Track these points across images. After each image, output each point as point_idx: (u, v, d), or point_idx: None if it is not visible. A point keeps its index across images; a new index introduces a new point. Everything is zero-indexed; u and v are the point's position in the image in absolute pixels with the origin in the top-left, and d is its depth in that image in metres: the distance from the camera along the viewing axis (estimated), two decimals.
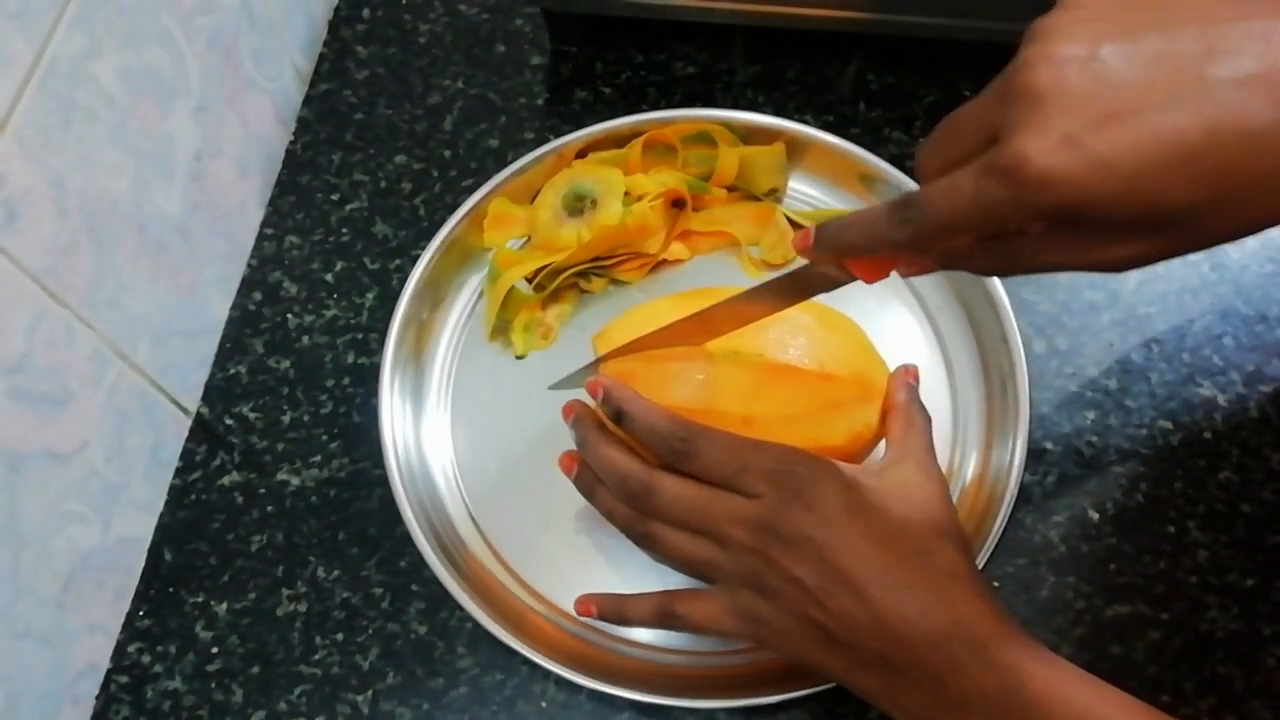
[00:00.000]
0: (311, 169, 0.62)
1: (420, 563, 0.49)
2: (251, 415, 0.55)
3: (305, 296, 0.58)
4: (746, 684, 0.47)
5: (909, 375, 0.47)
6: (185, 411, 0.55)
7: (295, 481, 0.53)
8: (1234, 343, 0.55)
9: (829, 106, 0.63)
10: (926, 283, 0.56)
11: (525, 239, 0.58)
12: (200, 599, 0.51)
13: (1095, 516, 0.51)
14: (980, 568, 0.48)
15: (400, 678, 0.49)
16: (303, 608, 0.50)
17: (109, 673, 0.49)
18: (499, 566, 0.51)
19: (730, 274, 0.57)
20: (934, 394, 0.53)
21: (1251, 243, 0.57)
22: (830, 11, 0.59)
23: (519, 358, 0.56)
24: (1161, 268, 0.56)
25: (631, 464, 0.43)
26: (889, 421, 0.45)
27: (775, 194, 0.59)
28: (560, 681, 0.48)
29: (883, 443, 0.46)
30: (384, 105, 0.64)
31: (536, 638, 0.47)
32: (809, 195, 0.60)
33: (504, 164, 0.58)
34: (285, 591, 0.51)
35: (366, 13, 0.68)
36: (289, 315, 0.58)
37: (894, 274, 0.40)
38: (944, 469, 0.51)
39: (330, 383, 0.56)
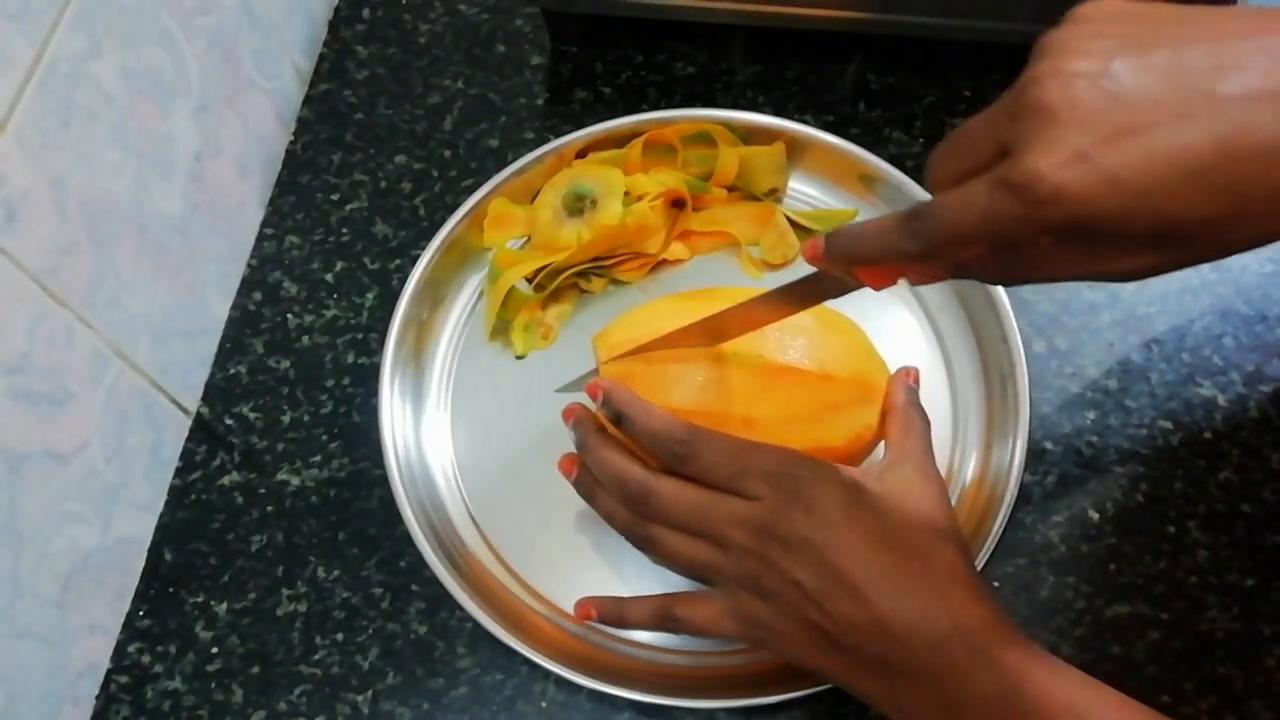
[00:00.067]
0: (311, 169, 0.62)
1: (420, 563, 0.49)
2: (251, 415, 0.55)
3: (305, 296, 0.58)
4: (746, 684, 0.47)
5: (909, 377, 0.47)
6: (185, 411, 0.55)
7: (295, 481, 0.53)
8: (1234, 343, 0.55)
9: (829, 106, 0.63)
10: None
11: (525, 239, 0.58)
12: (200, 599, 0.51)
13: (1095, 516, 0.51)
14: (980, 568, 0.48)
15: (400, 678, 0.49)
16: (303, 608, 0.50)
17: (109, 673, 0.49)
18: (499, 566, 0.51)
19: (730, 274, 0.57)
20: (934, 394, 0.53)
21: None
22: (830, 11, 0.59)
23: (519, 358, 0.56)
24: None
25: (631, 467, 0.43)
26: (888, 424, 0.45)
27: (775, 194, 0.59)
28: (560, 681, 0.48)
29: (882, 444, 0.46)
30: (384, 105, 0.64)
31: (536, 638, 0.47)
32: (809, 195, 0.60)
33: (504, 164, 0.58)
34: (285, 591, 0.51)
35: (366, 13, 0.68)
36: (289, 315, 0.58)
37: None
38: (944, 469, 0.52)
39: (330, 383, 0.56)
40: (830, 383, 0.45)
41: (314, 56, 0.66)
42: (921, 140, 0.61)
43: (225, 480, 0.54)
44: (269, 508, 0.53)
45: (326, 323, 0.57)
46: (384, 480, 0.51)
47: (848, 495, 0.40)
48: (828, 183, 0.59)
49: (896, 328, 0.55)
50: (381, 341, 0.54)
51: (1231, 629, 0.48)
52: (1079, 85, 0.29)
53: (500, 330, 0.56)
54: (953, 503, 0.51)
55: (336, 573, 0.51)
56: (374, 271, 0.59)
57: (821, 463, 0.41)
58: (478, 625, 0.47)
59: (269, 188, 0.62)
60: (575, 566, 0.50)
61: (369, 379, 0.55)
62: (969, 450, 0.52)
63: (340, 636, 0.50)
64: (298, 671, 0.49)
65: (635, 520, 0.43)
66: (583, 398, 0.45)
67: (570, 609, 0.47)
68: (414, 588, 0.50)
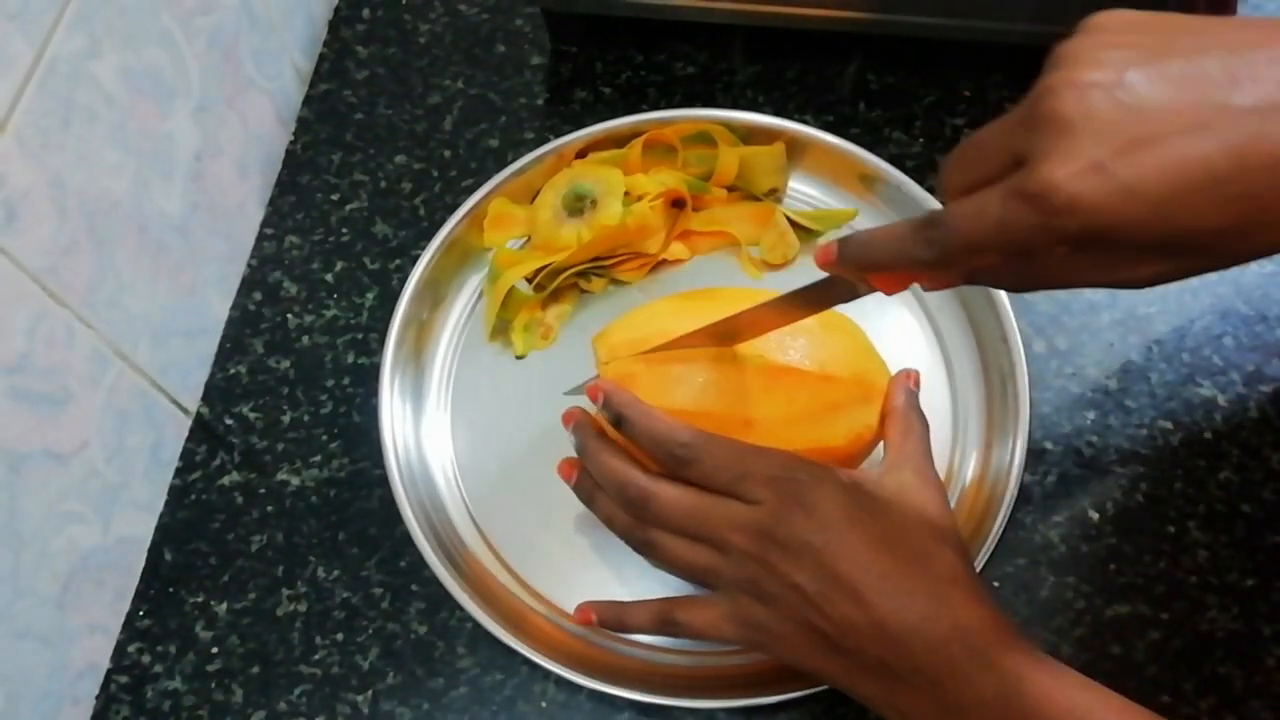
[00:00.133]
0: (311, 169, 0.62)
1: (420, 563, 0.49)
2: (251, 415, 0.55)
3: (305, 296, 0.58)
4: (746, 684, 0.47)
5: (909, 380, 0.47)
6: (185, 411, 0.55)
7: (295, 481, 0.53)
8: (1234, 343, 0.55)
9: (829, 106, 0.63)
10: None
11: (525, 239, 0.58)
12: (200, 599, 0.51)
13: (1095, 516, 0.51)
14: (980, 568, 0.48)
15: (400, 678, 0.49)
16: (303, 608, 0.50)
17: (109, 673, 0.49)
18: (499, 566, 0.51)
19: (730, 274, 0.57)
20: (934, 394, 0.53)
21: None
22: (830, 11, 0.59)
23: (519, 358, 0.56)
24: None
25: (630, 471, 0.43)
26: (888, 426, 0.45)
27: (775, 194, 0.59)
28: (560, 681, 0.48)
29: (882, 444, 0.46)
30: (384, 105, 0.64)
31: (536, 638, 0.47)
32: (809, 195, 0.60)
33: (504, 164, 0.58)
34: (285, 591, 0.51)
35: (366, 13, 0.68)
36: (289, 315, 0.58)
37: None
38: (944, 469, 0.52)
39: (330, 383, 0.56)
40: (831, 383, 0.45)
41: (314, 56, 0.66)
42: (921, 140, 0.61)
43: (225, 480, 0.54)
44: (269, 508, 0.53)
45: (326, 323, 0.57)
46: (384, 480, 0.51)
47: (847, 499, 0.40)
48: (828, 183, 0.59)
49: (896, 328, 0.55)
50: (381, 341, 0.54)
51: (1231, 629, 0.48)
52: (1094, 96, 0.29)
53: (500, 330, 0.56)
54: (953, 503, 0.51)
55: (336, 573, 0.51)
56: (374, 271, 0.59)
57: (821, 466, 0.41)
58: (478, 625, 0.47)
59: (269, 188, 0.62)
60: (575, 567, 0.50)
61: (369, 379, 0.55)
62: (969, 450, 0.52)
63: (340, 636, 0.50)
64: (298, 671, 0.49)
65: (635, 524, 0.43)
66: (582, 400, 0.45)
67: (570, 609, 0.47)
68: (414, 588, 0.50)
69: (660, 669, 0.48)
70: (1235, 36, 0.30)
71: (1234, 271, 0.56)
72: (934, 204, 0.56)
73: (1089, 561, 0.50)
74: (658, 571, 0.45)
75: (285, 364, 0.56)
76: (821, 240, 0.58)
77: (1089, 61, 0.30)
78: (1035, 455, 0.52)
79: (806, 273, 0.57)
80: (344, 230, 0.60)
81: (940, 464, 0.51)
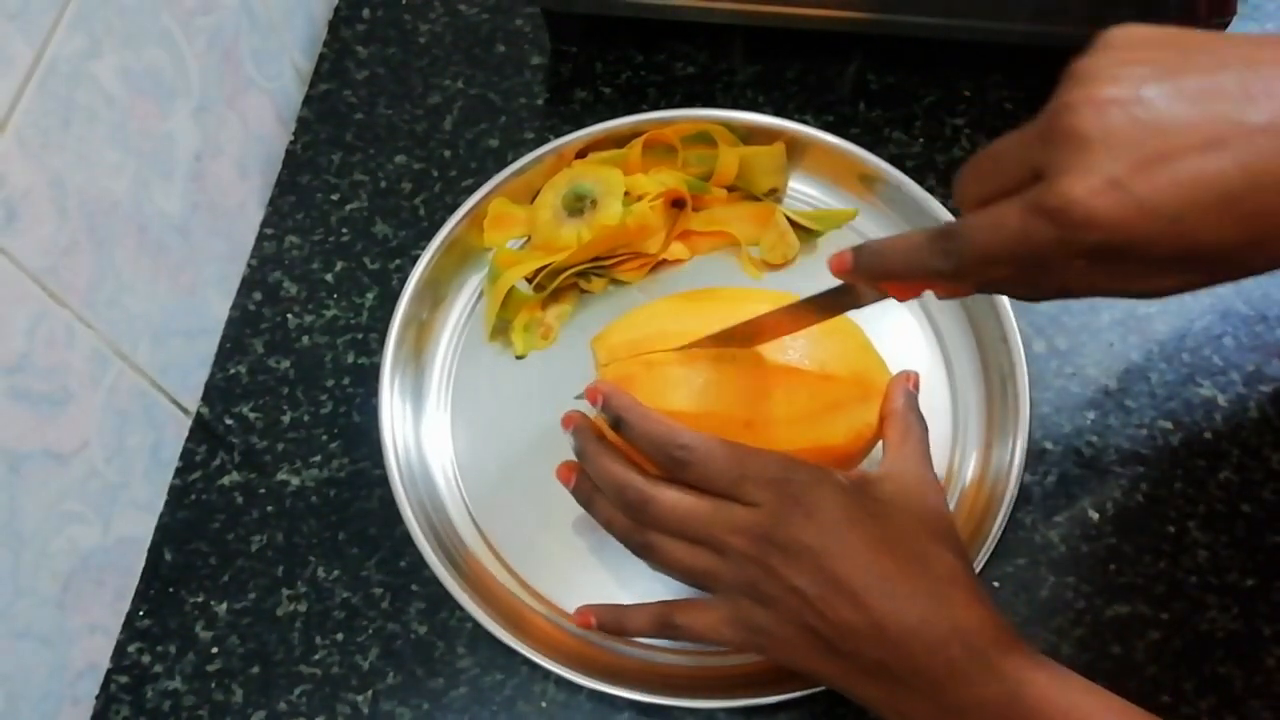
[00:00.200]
0: (311, 169, 0.62)
1: (420, 563, 0.49)
2: (251, 415, 0.55)
3: (305, 296, 0.58)
4: (746, 684, 0.47)
5: (908, 381, 0.47)
6: (185, 411, 0.55)
7: (295, 481, 0.53)
8: (1234, 343, 0.55)
9: (829, 106, 0.63)
10: None
11: (525, 239, 0.58)
12: (200, 599, 0.51)
13: (1095, 516, 0.51)
14: (980, 568, 0.48)
15: (400, 678, 0.49)
16: (303, 608, 0.50)
17: (109, 673, 0.49)
18: (499, 566, 0.51)
19: (730, 274, 0.57)
20: (934, 394, 0.53)
21: None
22: (830, 11, 0.59)
23: (519, 358, 0.56)
24: None
25: (629, 474, 0.43)
26: (886, 428, 0.45)
27: (775, 194, 0.59)
28: (560, 681, 0.48)
29: (881, 444, 0.46)
30: (384, 105, 0.64)
31: (536, 638, 0.47)
32: (809, 195, 0.60)
33: (504, 164, 0.58)
34: (285, 591, 0.51)
35: (366, 13, 0.68)
36: (289, 315, 0.58)
37: None
38: (944, 469, 0.52)
39: (330, 383, 0.56)
40: (830, 382, 0.45)
41: (314, 56, 0.66)
42: (921, 140, 0.61)
43: (225, 480, 0.54)
44: (269, 508, 0.53)
45: (326, 323, 0.57)
46: (384, 480, 0.51)
47: (847, 501, 0.40)
48: (828, 183, 0.59)
49: (896, 327, 0.55)
50: (381, 341, 0.54)
51: (1231, 629, 0.48)
52: (1112, 113, 0.30)
53: (500, 330, 0.56)
54: (953, 503, 0.51)
55: (336, 573, 0.51)
56: (374, 271, 0.59)
57: (820, 469, 0.41)
58: (478, 625, 0.47)
59: (269, 188, 0.62)
60: (575, 567, 0.50)
61: (369, 379, 0.55)
62: (969, 450, 0.52)
63: (340, 636, 0.50)
64: (298, 671, 0.49)
65: (634, 527, 0.43)
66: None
67: (570, 609, 0.47)
68: (414, 588, 0.50)
69: (660, 669, 0.48)
70: (1251, 54, 0.30)
71: None
72: (934, 204, 0.56)
73: (1089, 561, 0.50)
74: (657, 572, 0.45)
75: (285, 364, 0.56)
76: (820, 239, 0.58)
77: (1107, 78, 0.30)
78: (1035, 455, 0.52)
79: (806, 273, 0.57)
80: (344, 230, 0.60)
81: (940, 464, 0.51)
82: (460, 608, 0.48)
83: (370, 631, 0.50)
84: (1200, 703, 0.47)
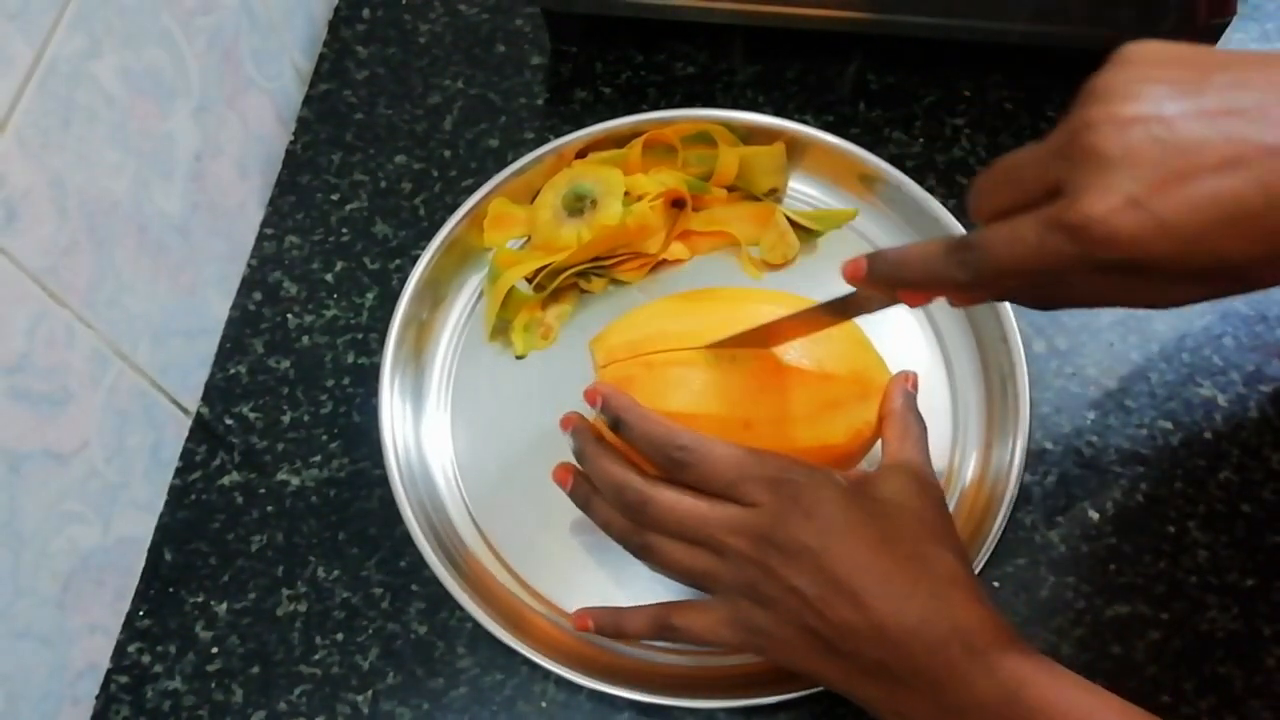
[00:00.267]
0: (311, 169, 0.62)
1: (420, 563, 0.49)
2: (251, 415, 0.55)
3: (305, 296, 0.58)
4: (746, 684, 0.47)
5: (907, 382, 0.47)
6: (185, 411, 0.55)
7: (295, 481, 0.53)
8: (1234, 343, 0.55)
9: (829, 106, 0.63)
10: None
11: (525, 239, 0.58)
12: (200, 599, 0.51)
13: (1095, 516, 0.51)
14: (980, 568, 0.48)
15: (400, 678, 0.49)
16: (303, 608, 0.50)
17: (109, 673, 0.49)
18: (499, 566, 0.51)
19: (730, 274, 0.57)
20: (934, 394, 0.53)
21: None
22: (830, 11, 0.59)
23: (519, 358, 0.56)
24: None
25: (629, 475, 0.43)
26: (885, 428, 0.45)
27: (775, 194, 0.59)
28: (560, 681, 0.48)
29: (880, 443, 0.46)
30: (384, 105, 0.64)
31: (536, 638, 0.47)
32: (809, 195, 0.60)
33: (504, 164, 0.58)
34: (285, 591, 0.51)
35: (366, 13, 0.68)
36: (289, 315, 0.58)
37: None
38: (944, 469, 0.52)
39: (330, 383, 0.56)
40: (829, 381, 0.45)
41: (314, 56, 0.66)
42: (921, 140, 0.61)
43: (225, 480, 0.54)
44: (269, 508, 0.53)
45: (326, 323, 0.57)
46: (384, 480, 0.51)
47: (846, 501, 0.40)
48: (828, 183, 0.59)
49: (896, 327, 0.55)
50: (381, 341, 0.54)
51: (1231, 629, 0.48)
52: (1133, 132, 0.30)
53: (500, 330, 0.56)
54: (953, 503, 0.51)
55: (336, 573, 0.51)
56: (374, 271, 0.59)
57: (819, 469, 0.41)
58: (478, 625, 0.47)
59: (269, 188, 0.62)
60: (575, 567, 0.50)
61: (369, 379, 0.55)
62: (969, 450, 0.52)
63: (340, 636, 0.50)
64: (298, 671, 0.49)
65: (633, 529, 0.43)
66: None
67: (570, 609, 0.47)
68: (414, 588, 0.50)
69: (660, 669, 0.48)
70: (1270, 74, 0.30)
71: None
72: (934, 204, 0.56)
73: (1089, 561, 0.50)
74: (656, 573, 0.45)
75: (285, 364, 0.56)
76: (820, 239, 0.58)
77: (1126, 95, 0.31)
78: (1035, 455, 0.52)
79: (806, 273, 0.57)
80: (344, 230, 0.60)
81: (940, 464, 0.51)
82: (460, 608, 0.48)
83: (370, 631, 0.50)
84: (1200, 703, 0.47)
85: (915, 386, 0.47)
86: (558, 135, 0.59)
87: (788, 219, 0.57)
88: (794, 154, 0.59)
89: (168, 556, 0.52)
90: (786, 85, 0.64)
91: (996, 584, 0.49)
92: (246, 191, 0.60)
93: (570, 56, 0.65)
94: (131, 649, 0.50)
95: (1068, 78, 0.62)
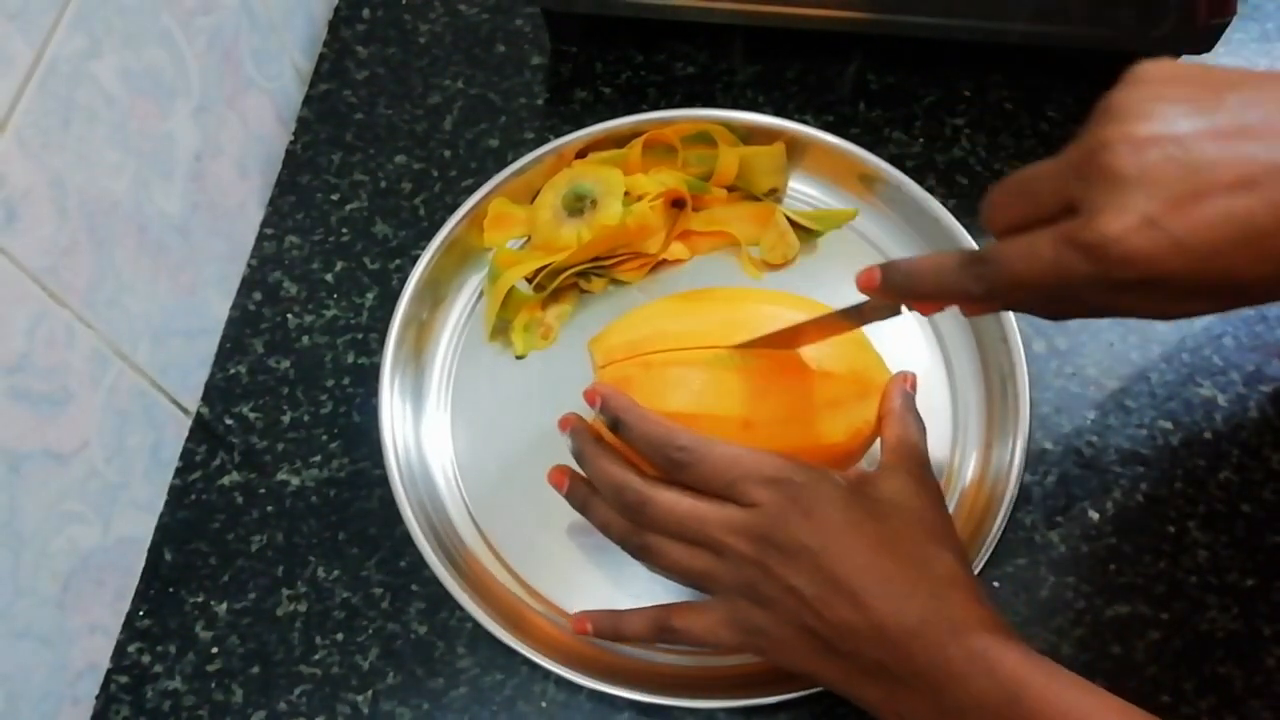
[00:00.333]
0: (311, 169, 0.62)
1: (420, 563, 0.49)
2: (251, 415, 0.55)
3: (305, 296, 0.58)
4: (746, 684, 0.47)
5: (905, 382, 0.47)
6: (185, 411, 0.55)
7: (295, 481, 0.53)
8: (1234, 343, 0.55)
9: (829, 106, 0.63)
10: None
11: (525, 239, 0.58)
12: (200, 599, 0.51)
13: (1095, 516, 0.51)
14: (980, 568, 0.48)
15: (400, 678, 0.49)
16: (303, 608, 0.50)
17: (109, 673, 0.49)
18: (499, 566, 0.51)
19: (730, 274, 0.57)
20: (934, 394, 0.53)
21: None
22: (830, 11, 0.59)
23: (519, 358, 0.56)
24: None
25: (628, 475, 0.43)
26: (884, 429, 0.45)
27: (775, 194, 0.59)
28: (560, 681, 0.48)
29: (879, 443, 0.46)
30: (384, 105, 0.64)
31: (536, 638, 0.47)
32: (809, 195, 0.60)
33: (504, 164, 0.58)
34: (285, 591, 0.51)
35: (366, 13, 0.68)
36: (289, 315, 0.58)
37: None
38: (944, 469, 0.52)
39: (330, 383, 0.56)
40: (828, 380, 0.45)
41: (314, 56, 0.66)
42: (921, 140, 0.61)
43: (225, 480, 0.54)
44: (269, 508, 0.53)
45: (326, 323, 0.57)
46: (384, 480, 0.51)
47: (845, 501, 0.40)
48: (828, 183, 0.59)
49: (896, 327, 0.54)
50: (381, 341, 0.54)
51: (1231, 629, 0.48)
52: (1149, 152, 0.31)
53: (500, 330, 0.56)
54: (953, 503, 0.51)
55: (336, 573, 0.51)
56: (374, 271, 0.59)
57: (818, 469, 0.41)
58: (478, 625, 0.47)
59: (269, 188, 0.62)
60: (575, 567, 0.50)
61: (369, 379, 0.55)
62: (969, 450, 0.52)
63: (340, 636, 0.50)
64: (298, 671, 0.49)
65: (632, 529, 0.43)
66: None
67: (570, 609, 0.48)
68: (414, 588, 0.50)
69: (660, 669, 0.48)
70: (1279, 93, 0.31)
71: None
72: (934, 204, 0.56)
73: (1089, 561, 0.50)
74: (655, 574, 0.45)
75: (285, 364, 0.56)
76: (820, 239, 0.58)
77: (1142, 115, 0.31)
78: (1035, 455, 0.52)
79: (806, 272, 0.57)
80: (344, 230, 0.60)
81: (940, 464, 0.51)
82: (460, 608, 0.48)
83: (370, 631, 0.50)
84: (1200, 703, 0.47)
85: (914, 387, 0.47)
86: (558, 135, 0.59)
87: (788, 219, 0.57)
88: (794, 154, 0.59)
89: (168, 556, 0.52)
90: (786, 85, 0.64)
91: (996, 584, 0.49)
92: (246, 191, 0.60)
93: (570, 56, 0.65)
94: (131, 649, 0.50)
95: (1068, 78, 0.62)
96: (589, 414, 0.45)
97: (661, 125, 0.58)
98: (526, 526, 0.51)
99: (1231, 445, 0.52)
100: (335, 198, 0.61)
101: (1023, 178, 0.35)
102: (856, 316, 0.43)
